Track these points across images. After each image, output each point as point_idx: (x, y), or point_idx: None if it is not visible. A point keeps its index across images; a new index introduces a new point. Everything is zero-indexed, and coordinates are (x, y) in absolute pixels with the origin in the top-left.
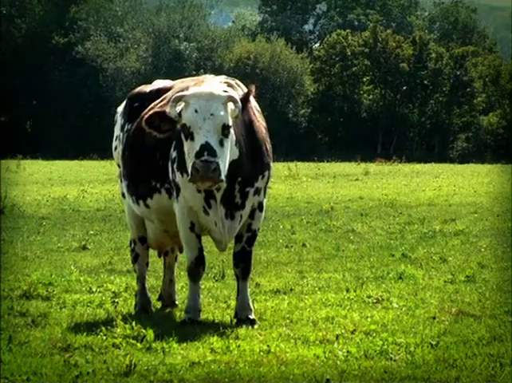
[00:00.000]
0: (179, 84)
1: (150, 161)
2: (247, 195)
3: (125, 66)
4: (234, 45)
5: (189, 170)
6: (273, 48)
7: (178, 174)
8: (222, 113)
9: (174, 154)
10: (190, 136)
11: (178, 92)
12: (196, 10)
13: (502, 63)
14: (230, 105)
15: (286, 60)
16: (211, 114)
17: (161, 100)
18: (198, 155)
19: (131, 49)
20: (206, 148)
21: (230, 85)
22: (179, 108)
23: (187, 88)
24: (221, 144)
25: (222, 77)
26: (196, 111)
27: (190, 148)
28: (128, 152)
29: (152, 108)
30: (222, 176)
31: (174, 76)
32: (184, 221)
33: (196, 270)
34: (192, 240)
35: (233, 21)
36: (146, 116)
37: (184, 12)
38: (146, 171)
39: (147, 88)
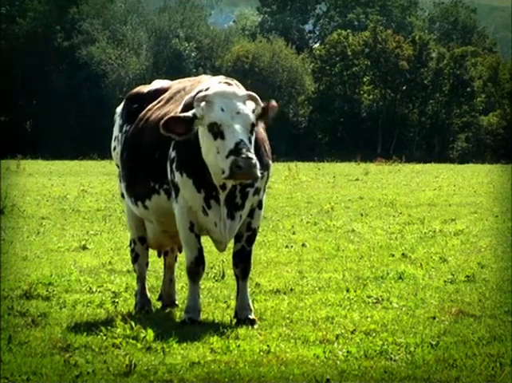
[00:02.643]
0: (176, 84)
1: (148, 162)
2: (247, 195)
3: (127, 68)
4: (234, 44)
5: (223, 167)
6: (272, 47)
7: (177, 174)
8: (247, 112)
9: (173, 154)
10: (220, 134)
11: (175, 92)
12: (197, 11)
13: (501, 62)
14: (252, 104)
15: (286, 59)
16: (237, 113)
17: (158, 102)
18: (237, 152)
19: (132, 50)
20: (243, 145)
21: (229, 85)
22: (203, 108)
23: (184, 89)
24: (250, 141)
25: (221, 77)
26: (222, 109)
27: (220, 147)
28: (126, 154)
29: (150, 109)
30: (259, 173)
31: (174, 76)
32: (184, 221)
33: (196, 269)
34: (192, 240)
35: (234, 21)
36: (162, 122)
37: (185, 12)
38: (144, 172)
39: (145, 88)
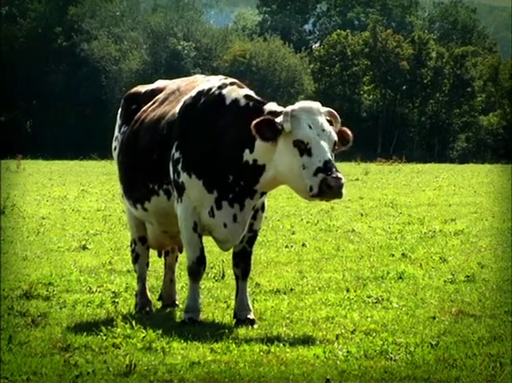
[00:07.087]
0: (170, 85)
1: (146, 164)
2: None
3: (127, 67)
4: (233, 44)
5: (311, 184)
6: (271, 47)
7: (184, 175)
8: (331, 129)
9: (177, 155)
10: (307, 151)
11: (169, 93)
12: (192, 10)
13: (501, 62)
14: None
15: (284, 58)
16: (323, 130)
17: (153, 103)
18: (327, 171)
19: (132, 49)
20: (332, 164)
21: (232, 83)
22: (290, 123)
23: (178, 90)
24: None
25: (220, 77)
26: (310, 127)
27: (307, 163)
28: (123, 156)
29: (145, 110)
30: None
31: (173, 76)
32: (188, 221)
33: (197, 269)
34: (195, 240)
35: (234, 22)
36: (257, 121)
37: (181, 11)
38: (142, 174)
39: (143, 88)
